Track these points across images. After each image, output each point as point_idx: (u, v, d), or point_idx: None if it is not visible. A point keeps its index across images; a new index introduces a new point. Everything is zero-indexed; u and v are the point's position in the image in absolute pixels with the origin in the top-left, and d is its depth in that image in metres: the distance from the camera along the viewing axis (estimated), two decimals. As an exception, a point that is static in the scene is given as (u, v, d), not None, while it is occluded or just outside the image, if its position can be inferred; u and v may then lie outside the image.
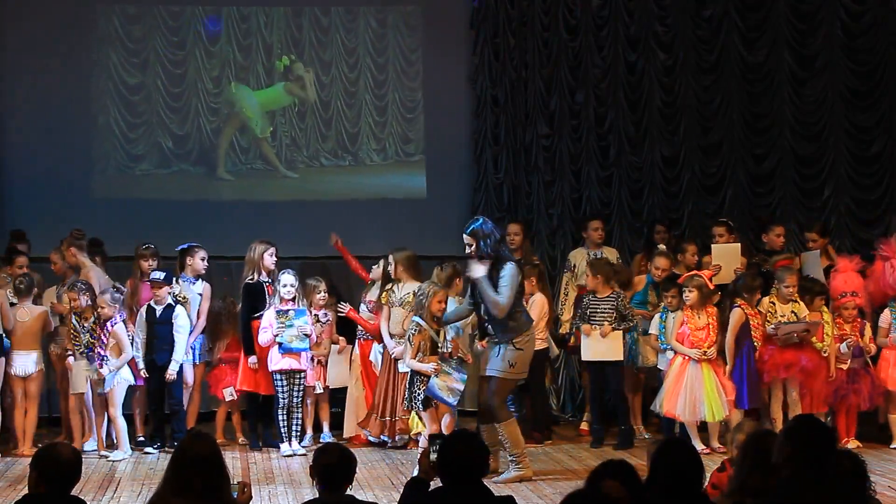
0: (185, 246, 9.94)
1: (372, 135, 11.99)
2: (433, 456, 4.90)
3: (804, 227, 11.18)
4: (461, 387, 8.48)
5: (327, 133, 12.00)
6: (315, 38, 11.99)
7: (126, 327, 9.55)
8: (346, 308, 9.81)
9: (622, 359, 9.61)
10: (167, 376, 9.50)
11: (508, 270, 8.13)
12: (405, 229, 11.27)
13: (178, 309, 9.54)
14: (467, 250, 8.33)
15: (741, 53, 11.98)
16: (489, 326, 8.33)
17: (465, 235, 8.36)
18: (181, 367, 9.60)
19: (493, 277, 8.12)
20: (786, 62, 11.94)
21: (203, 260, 9.90)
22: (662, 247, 10.43)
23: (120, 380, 9.29)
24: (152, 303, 9.54)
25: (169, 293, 9.54)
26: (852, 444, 9.29)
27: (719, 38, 12.00)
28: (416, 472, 5.13)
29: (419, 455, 5.12)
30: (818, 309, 9.62)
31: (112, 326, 9.25)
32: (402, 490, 5.13)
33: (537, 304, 9.62)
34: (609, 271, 9.74)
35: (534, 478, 8.28)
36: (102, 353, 9.22)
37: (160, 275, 9.56)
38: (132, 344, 9.44)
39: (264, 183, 11.90)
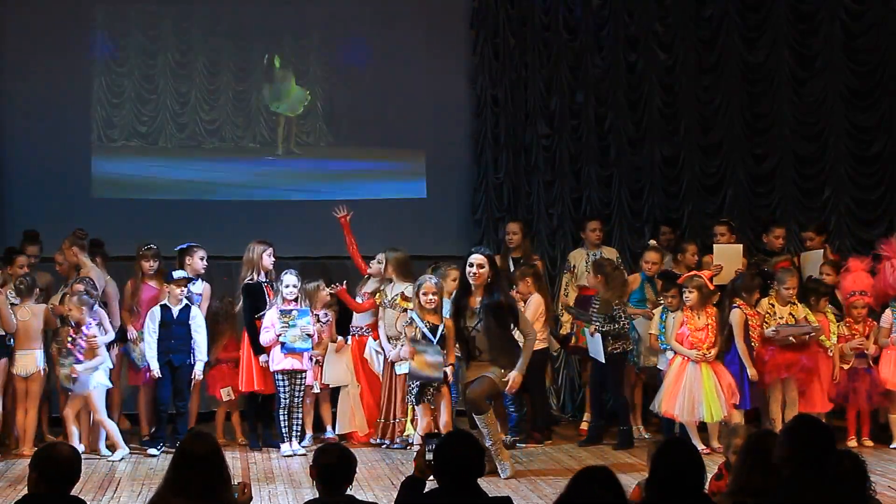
0: (183, 246, 9.93)
1: (371, 134, 11.98)
2: (429, 456, 4.91)
3: (804, 228, 11.19)
4: (439, 358, 8.57)
5: (327, 132, 12.00)
6: (315, 37, 12.00)
7: (126, 327, 9.56)
8: (338, 286, 9.81)
9: (602, 360, 9.62)
10: (195, 376, 9.51)
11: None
12: (405, 229, 11.27)
13: (195, 310, 9.52)
14: (476, 270, 8.31)
15: (741, 53, 11.98)
16: (481, 353, 8.42)
17: (479, 256, 8.37)
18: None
19: (512, 309, 8.41)
20: (786, 62, 11.93)
21: (202, 259, 9.88)
22: (653, 242, 10.44)
23: (97, 384, 9.26)
24: (167, 303, 9.48)
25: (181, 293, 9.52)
26: (853, 444, 9.32)
27: (719, 38, 12.00)
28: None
29: (415, 455, 5.12)
30: (823, 309, 9.64)
31: (88, 330, 9.24)
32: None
33: (533, 304, 9.62)
34: (609, 272, 9.73)
35: (532, 477, 8.32)
36: (79, 355, 9.20)
37: (183, 273, 9.53)
38: (146, 343, 9.45)
39: (264, 183, 11.90)
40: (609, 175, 11.93)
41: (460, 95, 12.01)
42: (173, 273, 9.54)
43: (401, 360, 9.27)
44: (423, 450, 5.00)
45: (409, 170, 12.06)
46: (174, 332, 9.46)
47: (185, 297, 9.53)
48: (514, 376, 8.33)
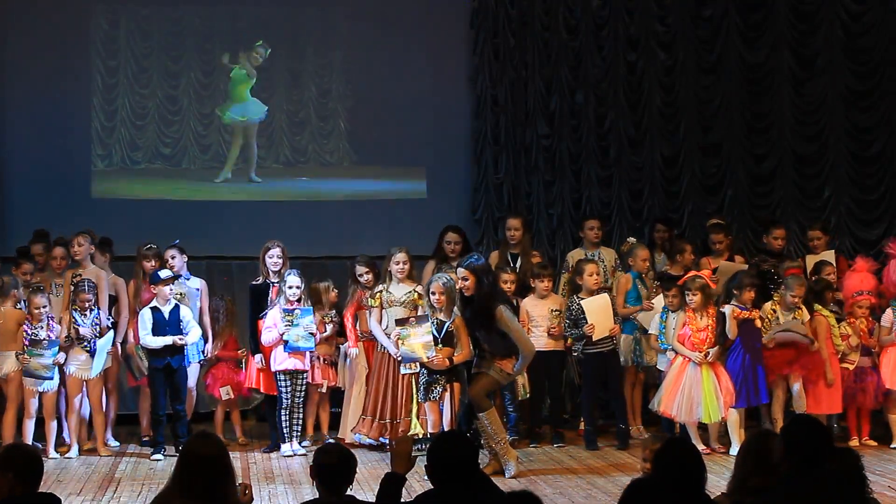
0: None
1: (371, 134, 11.97)
2: (415, 453, 4.88)
3: (804, 228, 11.18)
4: (429, 337, 8.58)
5: (327, 132, 12.00)
6: (315, 37, 12.00)
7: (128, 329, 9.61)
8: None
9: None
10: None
11: (507, 313, 8.43)
12: (405, 229, 11.26)
13: (184, 309, 9.43)
14: (462, 284, 8.44)
15: (741, 53, 11.98)
16: (485, 352, 8.56)
17: (462, 270, 8.48)
18: (188, 369, 9.59)
19: (490, 319, 8.35)
20: (786, 62, 11.94)
21: (172, 259, 9.74)
22: (633, 239, 10.46)
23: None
24: (157, 303, 9.37)
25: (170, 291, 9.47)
26: (854, 444, 9.32)
27: (719, 38, 12.00)
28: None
29: (394, 453, 5.03)
30: (827, 304, 9.64)
31: (100, 314, 9.35)
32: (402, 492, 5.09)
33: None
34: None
35: (532, 477, 8.32)
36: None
37: (170, 272, 9.45)
38: (141, 340, 9.42)
39: (264, 183, 11.89)
40: (609, 175, 11.93)
41: (460, 95, 12.00)
42: (159, 273, 9.42)
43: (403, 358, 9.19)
44: (406, 448, 4.96)
45: (408, 170, 12.05)
46: (168, 333, 9.32)
47: (175, 297, 9.46)
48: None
